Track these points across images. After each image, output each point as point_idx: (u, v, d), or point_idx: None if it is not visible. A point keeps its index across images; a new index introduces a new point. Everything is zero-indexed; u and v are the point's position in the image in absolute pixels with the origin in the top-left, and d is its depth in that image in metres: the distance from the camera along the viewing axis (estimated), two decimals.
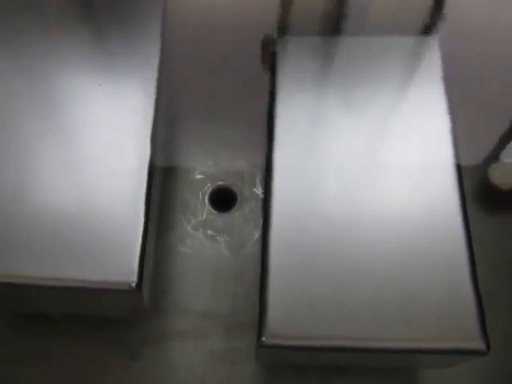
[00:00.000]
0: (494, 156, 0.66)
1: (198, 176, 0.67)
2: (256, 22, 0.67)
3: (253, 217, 0.64)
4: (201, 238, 0.63)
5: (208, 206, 0.65)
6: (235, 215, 0.65)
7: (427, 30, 0.60)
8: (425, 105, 0.54)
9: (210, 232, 0.64)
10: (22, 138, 0.52)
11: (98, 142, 0.52)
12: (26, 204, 0.49)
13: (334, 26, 0.60)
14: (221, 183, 0.66)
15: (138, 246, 0.47)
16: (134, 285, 0.46)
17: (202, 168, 0.67)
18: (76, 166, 0.51)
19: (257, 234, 0.63)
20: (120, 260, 0.46)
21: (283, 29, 0.61)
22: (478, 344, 0.44)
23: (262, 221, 0.53)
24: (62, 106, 0.54)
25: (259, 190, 0.65)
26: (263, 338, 0.45)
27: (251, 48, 0.65)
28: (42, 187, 0.49)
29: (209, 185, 0.66)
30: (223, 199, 0.66)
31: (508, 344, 0.57)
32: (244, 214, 0.65)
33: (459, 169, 0.51)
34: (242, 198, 0.65)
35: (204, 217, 0.65)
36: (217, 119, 0.68)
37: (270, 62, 0.58)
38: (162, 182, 0.61)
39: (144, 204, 0.49)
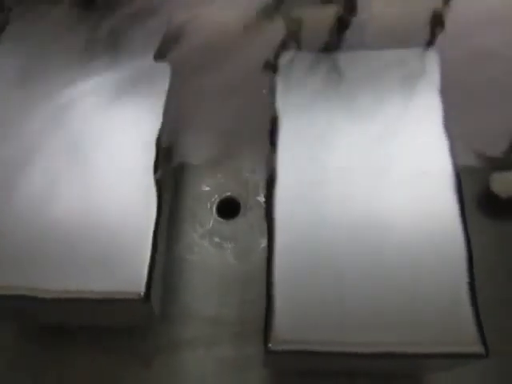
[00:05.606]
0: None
1: (206, 188, 0.67)
2: (258, 38, 0.68)
3: (259, 224, 0.64)
4: (207, 245, 0.64)
5: (215, 215, 0.66)
6: (241, 222, 0.65)
7: (426, 43, 0.61)
8: (424, 115, 0.54)
9: (216, 239, 0.64)
10: (34, 154, 0.53)
11: (107, 156, 0.53)
12: (36, 217, 0.50)
13: (333, 41, 0.61)
14: (228, 194, 0.67)
15: (147, 256, 0.48)
16: (142, 294, 0.47)
17: (210, 180, 0.68)
18: (86, 179, 0.52)
19: (264, 242, 0.62)
20: (129, 270, 0.47)
21: (284, 44, 0.62)
22: (477, 348, 0.44)
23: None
24: (72, 122, 0.55)
25: (263, 199, 0.66)
26: (270, 345, 0.45)
27: (255, 61, 0.66)
28: (52, 200, 0.50)
29: (216, 196, 0.67)
30: (228, 207, 0.66)
31: (508, 347, 0.57)
32: (249, 221, 0.65)
33: (458, 177, 0.51)
34: (246, 206, 0.66)
35: (211, 225, 0.65)
36: (224, 133, 0.69)
37: (273, 75, 0.59)
38: (171, 193, 0.62)
39: (153, 216, 0.50)
